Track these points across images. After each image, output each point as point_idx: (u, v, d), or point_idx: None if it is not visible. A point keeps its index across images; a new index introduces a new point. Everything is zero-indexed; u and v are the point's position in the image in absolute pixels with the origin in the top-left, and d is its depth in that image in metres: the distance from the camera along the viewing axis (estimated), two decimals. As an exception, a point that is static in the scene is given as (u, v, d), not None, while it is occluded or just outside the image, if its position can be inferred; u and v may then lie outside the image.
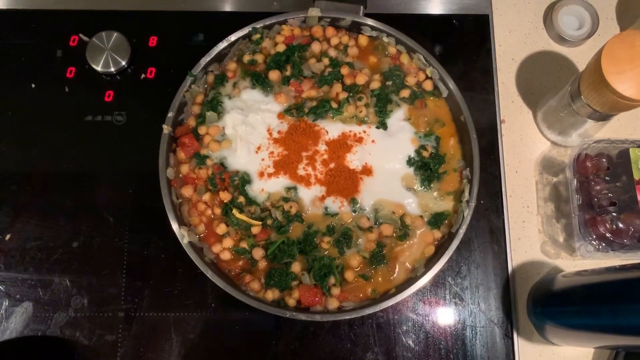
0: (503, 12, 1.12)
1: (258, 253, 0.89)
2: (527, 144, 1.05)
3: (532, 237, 1.00)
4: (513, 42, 1.10)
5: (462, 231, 0.88)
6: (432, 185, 0.93)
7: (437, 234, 0.91)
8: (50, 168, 1.01)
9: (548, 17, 1.10)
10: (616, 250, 0.89)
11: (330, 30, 0.99)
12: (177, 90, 0.94)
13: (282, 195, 0.91)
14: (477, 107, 1.03)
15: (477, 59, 1.08)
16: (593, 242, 0.89)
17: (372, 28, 0.97)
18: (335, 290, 0.88)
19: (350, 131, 0.94)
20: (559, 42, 1.09)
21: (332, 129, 0.94)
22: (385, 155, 0.93)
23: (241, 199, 0.90)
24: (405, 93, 0.96)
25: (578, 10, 1.09)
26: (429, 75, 0.97)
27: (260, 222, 0.90)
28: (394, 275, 0.90)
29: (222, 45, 0.96)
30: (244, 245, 0.90)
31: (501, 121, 1.05)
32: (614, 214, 0.89)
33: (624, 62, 0.82)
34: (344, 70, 0.96)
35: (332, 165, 0.92)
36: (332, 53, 0.98)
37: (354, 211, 0.91)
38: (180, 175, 0.93)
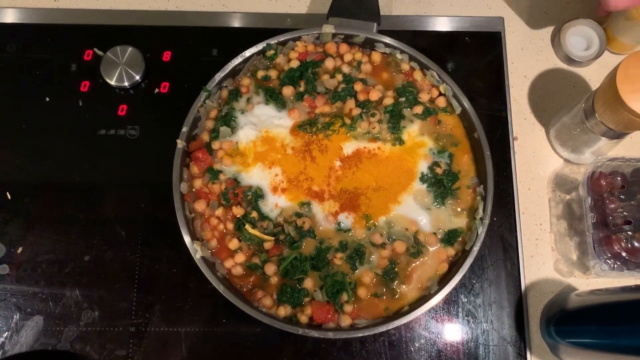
0: (515, 29, 1.12)
1: (270, 269, 0.89)
2: (540, 161, 1.05)
3: (545, 254, 1.00)
4: (525, 59, 1.10)
5: (476, 249, 0.87)
6: (445, 202, 0.92)
7: (451, 252, 0.91)
8: (63, 181, 1.01)
9: (556, 38, 1.10)
10: (632, 269, 0.89)
11: (343, 47, 1.00)
12: (190, 105, 0.94)
13: (296, 211, 0.91)
14: (489, 123, 1.03)
15: (490, 76, 1.08)
16: (608, 260, 0.89)
17: (386, 45, 0.98)
18: (348, 307, 0.87)
19: (364, 147, 0.94)
20: (567, 63, 1.09)
21: (345, 145, 0.94)
22: (399, 172, 0.93)
23: (254, 214, 0.90)
24: (419, 109, 0.96)
25: (585, 31, 1.09)
26: (442, 92, 0.97)
27: (272, 238, 0.90)
28: (407, 293, 0.89)
29: (237, 61, 0.97)
30: (256, 260, 0.89)
31: (514, 138, 1.05)
32: (629, 233, 0.89)
33: (639, 80, 0.82)
34: (358, 87, 0.97)
35: (345, 181, 0.92)
36: (346, 69, 0.98)
37: (368, 228, 0.91)
38: (194, 190, 0.93)
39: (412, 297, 0.89)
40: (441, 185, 0.92)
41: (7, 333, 0.93)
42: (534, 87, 1.09)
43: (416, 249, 0.90)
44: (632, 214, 0.90)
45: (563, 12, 1.13)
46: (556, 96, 1.08)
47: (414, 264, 0.90)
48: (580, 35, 1.09)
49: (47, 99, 1.05)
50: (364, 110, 0.95)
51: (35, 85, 1.06)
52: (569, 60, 1.09)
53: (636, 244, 0.89)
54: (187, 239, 0.88)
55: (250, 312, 0.85)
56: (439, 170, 0.93)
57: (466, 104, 0.95)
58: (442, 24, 1.11)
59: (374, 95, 0.96)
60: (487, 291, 0.97)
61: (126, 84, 1.04)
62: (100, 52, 1.06)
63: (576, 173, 1.01)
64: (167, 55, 1.08)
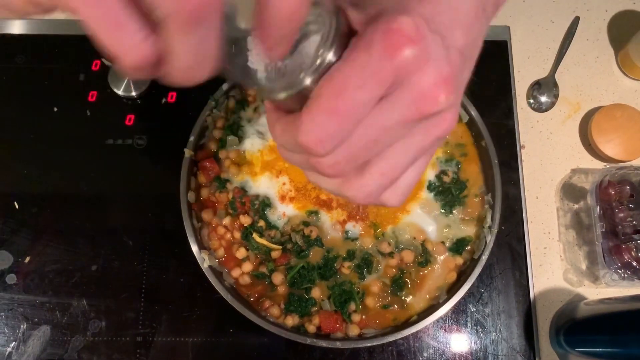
0: (521, 38, 1.12)
1: (278, 278, 0.88)
2: (547, 169, 1.04)
3: (554, 263, 0.99)
4: (531, 67, 1.10)
5: (484, 257, 0.87)
6: (453, 210, 0.92)
7: (459, 260, 0.90)
8: (71, 191, 1.01)
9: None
10: (642, 278, 0.88)
11: (350, 56, 1.00)
12: (197, 114, 0.95)
13: (303, 220, 0.91)
14: (496, 132, 1.03)
15: (496, 85, 1.08)
16: (618, 270, 0.88)
17: (393, 54, 0.98)
18: (356, 317, 0.87)
19: (372, 156, 0.94)
20: (577, 69, 1.10)
21: (353, 153, 0.94)
22: (406, 180, 0.93)
23: (261, 223, 0.90)
24: (426, 118, 0.96)
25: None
26: (449, 101, 0.97)
27: (280, 247, 0.89)
28: (416, 302, 0.89)
29: (244, 70, 0.97)
30: (263, 270, 0.89)
31: (521, 146, 1.05)
32: (639, 242, 0.88)
33: (609, 133, 0.99)
34: (364, 96, 0.97)
35: (353, 190, 0.92)
36: (352, 78, 0.98)
37: (376, 237, 0.90)
38: (201, 199, 0.93)
39: (420, 307, 0.89)
40: (449, 193, 0.92)
41: (14, 343, 0.93)
42: (540, 95, 1.09)
43: (424, 257, 0.89)
44: (642, 222, 0.90)
45: (570, 20, 1.13)
46: (563, 104, 1.08)
47: (422, 273, 0.90)
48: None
49: (55, 109, 1.06)
50: (371, 119, 0.95)
51: (43, 96, 1.06)
52: (576, 68, 1.09)
53: (646, 253, 0.88)
54: (194, 248, 0.88)
55: (257, 321, 0.85)
56: (446, 179, 0.93)
57: (473, 112, 0.95)
58: (448, 33, 1.11)
59: (381, 105, 0.96)
60: (495, 300, 0.96)
61: (134, 93, 1.05)
62: (108, 62, 1.07)
63: (584, 182, 1.01)
64: (174, 65, 1.08)
